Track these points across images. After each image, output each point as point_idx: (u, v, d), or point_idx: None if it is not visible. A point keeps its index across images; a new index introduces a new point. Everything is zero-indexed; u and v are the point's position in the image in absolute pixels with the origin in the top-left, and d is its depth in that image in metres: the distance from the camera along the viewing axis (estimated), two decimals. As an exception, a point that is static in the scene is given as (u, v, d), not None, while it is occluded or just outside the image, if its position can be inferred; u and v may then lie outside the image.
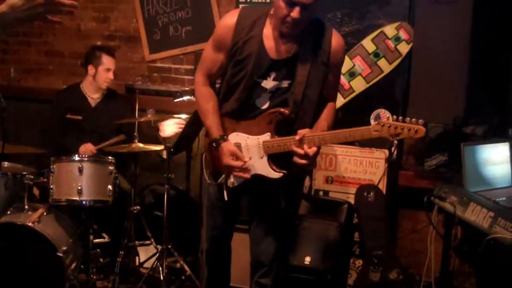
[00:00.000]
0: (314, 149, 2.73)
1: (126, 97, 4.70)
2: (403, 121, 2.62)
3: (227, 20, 2.92)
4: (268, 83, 2.87)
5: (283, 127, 2.86)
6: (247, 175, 2.88)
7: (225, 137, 2.92)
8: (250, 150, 2.90)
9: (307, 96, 2.85)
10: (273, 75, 2.87)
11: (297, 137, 2.75)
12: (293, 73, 2.84)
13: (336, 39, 2.88)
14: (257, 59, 2.84)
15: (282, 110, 2.85)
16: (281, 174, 2.86)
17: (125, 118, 4.45)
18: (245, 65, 2.86)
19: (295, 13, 2.69)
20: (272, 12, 2.83)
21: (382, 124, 2.63)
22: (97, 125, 4.55)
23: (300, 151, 2.73)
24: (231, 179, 2.95)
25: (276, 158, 2.87)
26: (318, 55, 2.84)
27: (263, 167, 2.88)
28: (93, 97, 4.63)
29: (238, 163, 2.86)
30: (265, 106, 2.90)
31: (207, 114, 2.97)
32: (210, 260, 3.19)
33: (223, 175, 2.96)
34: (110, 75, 4.56)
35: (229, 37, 2.87)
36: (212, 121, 2.95)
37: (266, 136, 2.87)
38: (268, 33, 2.86)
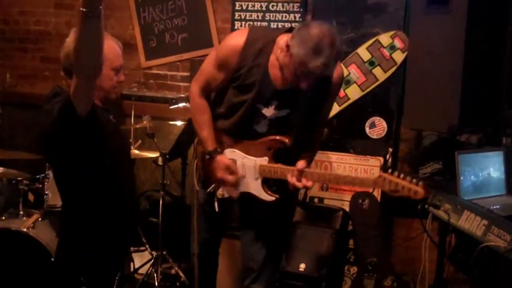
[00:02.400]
0: (311, 183, 2.79)
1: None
2: (404, 178, 2.59)
3: (235, 42, 2.87)
4: (269, 111, 2.90)
5: (281, 154, 2.90)
6: (236, 193, 2.95)
7: (218, 150, 2.95)
8: (245, 169, 2.94)
9: (304, 125, 2.91)
10: (274, 104, 2.88)
11: (297, 168, 2.78)
12: (295, 103, 2.86)
13: (338, 71, 2.89)
14: (261, 87, 2.84)
15: (283, 139, 2.88)
16: (273, 199, 2.91)
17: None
18: (248, 92, 2.87)
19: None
20: (280, 53, 2.75)
21: (384, 178, 2.62)
22: None
23: (298, 184, 2.78)
24: (221, 191, 2.99)
25: (270, 182, 2.93)
26: (320, 86, 2.83)
27: (256, 188, 2.94)
28: None
29: (232, 178, 2.91)
30: (263, 131, 2.94)
31: (203, 127, 3.00)
32: (200, 263, 3.23)
33: (213, 185, 2.99)
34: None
35: (234, 59, 2.84)
36: (207, 133, 2.98)
37: (264, 160, 2.91)
38: (274, 61, 2.82)
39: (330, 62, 2.65)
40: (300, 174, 2.78)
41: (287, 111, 2.88)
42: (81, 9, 2.03)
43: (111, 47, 2.49)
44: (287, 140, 2.87)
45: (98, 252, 2.52)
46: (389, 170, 2.65)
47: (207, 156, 2.96)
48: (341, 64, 3.01)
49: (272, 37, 2.86)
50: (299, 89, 2.76)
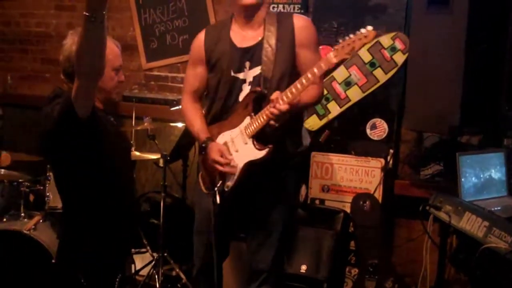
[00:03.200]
0: (286, 106, 2.79)
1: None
2: (355, 35, 2.76)
3: (197, 38, 3.19)
4: (246, 74, 3.00)
5: (260, 106, 2.94)
6: (234, 170, 2.95)
7: (211, 138, 3.04)
8: (235, 142, 2.99)
9: (276, 73, 2.97)
10: (247, 65, 3.00)
11: (272, 97, 2.82)
12: (264, 57, 2.97)
13: (298, 19, 3.06)
14: (229, 54, 3.01)
15: (253, 89, 2.96)
16: (267, 149, 2.91)
17: None
18: (221, 64, 3.03)
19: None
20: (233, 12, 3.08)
21: (336, 48, 2.76)
22: None
23: (275, 111, 2.79)
24: (228, 182, 2.99)
25: (259, 139, 2.94)
26: (282, 36, 2.99)
27: (249, 152, 2.95)
28: None
29: (225, 159, 2.94)
30: (246, 93, 3.02)
31: (194, 123, 3.13)
32: (203, 278, 3.20)
33: (220, 182, 2.99)
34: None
35: (201, 49, 3.11)
36: (198, 127, 3.10)
37: (246, 121, 2.96)
38: (234, 30, 3.06)
39: None
40: (275, 102, 2.82)
41: (260, 67, 2.98)
42: (84, 13, 2.03)
43: (111, 48, 2.50)
44: (257, 88, 2.96)
45: (98, 253, 2.53)
46: (340, 41, 2.79)
47: (203, 146, 3.04)
48: (305, 17, 3.17)
49: (229, 18, 3.15)
50: (261, 41, 2.97)
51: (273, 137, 2.93)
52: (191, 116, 3.16)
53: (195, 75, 3.16)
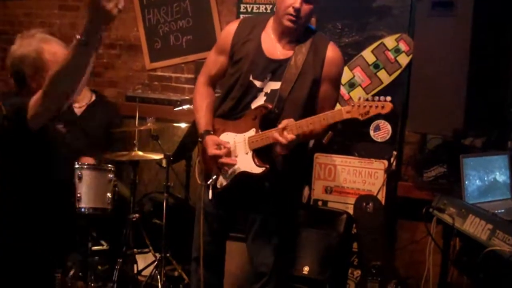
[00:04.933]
0: (292, 136, 2.77)
1: (114, 103, 4.70)
2: (368, 99, 2.71)
3: (229, 26, 3.12)
4: (265, 85, 2.95)
5: (267, 123, 2.91)
6: (234, 161, 2.94)
7: (211, 132, 3.01)
8: (237, 147, 2.97)
9: (293, 96, 2.92)
10: (269, 76, 2.95)
11: (280, 126, 2.80)
12: (286, 75, 2.93)
13: (332, 51, 2.98)
14: (254, 58, 2.96)
15: (266, 104, 2.93)
16: (263, 169, 2.90)
17: (115, 125, 4.47)
18: (242, 65, 2.98)
19: (298, 3, 2.84)
20: (273, 18, 3.01)
21: (352, 104, 2.72)
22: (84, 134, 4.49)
23: (281, 139, 2.78)
24: (221, 180, 2.99)
25: (260, 154, 2.92)
26: (311, 61, 2.93)
27: (247, 163, 2.93)
28: (77, 105, 4.57)
29: (222, 151, 2.93)
30: (258, 104, 2.97)
31: (200, 110, 3.11)
32: (203, 267, 3.18)
33: (214, 176, 3.01)
34: None
35: (229, 40, 3.04)
36: (202, 116, 3.08)
37: (252, 132, 2.94)
38: (266, 35, 3.00)
39: None
40: (283, 130, 2.80)
41: (279, 83, 2.93)
42: (77, 36, 1.98)
43: (62, 52, 2.44)
44: (269, 105, 2.92)
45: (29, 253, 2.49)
46: (359, 97, 2.74)
47: (199, 139, 3.04)
48: (339, 49, 3.05)
49: (266, 18, 3.08)
50: (290, 59, 2.92)
51: (274, 157, 2.92)
52: (199, 101, 3.13)
53: (216, 61, 3.12)
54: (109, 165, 4.06)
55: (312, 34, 3.00)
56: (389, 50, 4.06)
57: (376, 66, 4.10)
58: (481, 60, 3.41)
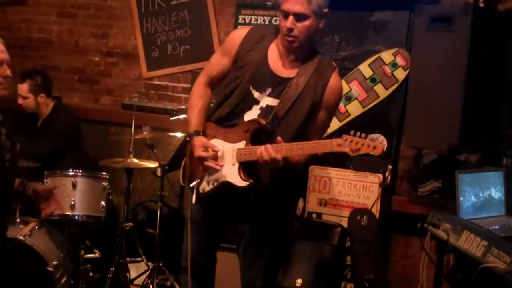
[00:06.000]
0: (279, 157, 2.74)
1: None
2: (361, 136, 2.65)
3: (238, 31, 3.12)
4: (262, 98, 2.92)
5: (259, 138, 2.88)
6: (220, 165, 2.91)
7: (201, 133, 2.99)
8: (224, 156, 2.94)
9: (289, 116, 2.89)
10: (268, 90, 2.92)
11: (269, 144, 2.77)
12: (286, 94, 2.89)
13: (335, 79, 2.94)
14: (257, 68, 2.92)
15: (259, 119, 2.90)
16: (247, 183, 2.87)
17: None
18: (244, 72, 2.95)
19: (289, 22, 2.80)
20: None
21: (345, 138, 2.66)
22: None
23: (265, 155, 2.74)
24: (204, 185, 2.98)
25: (246, 168, 2.89)
26: (313, 85, 2.89)
27: (232, 174, 2.90)
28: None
29: (209, 154, 2.90)
30: (252, 118, 2.94)
31: (193, 110, 3.07)
32: (191, 278, 3.14)
33: (197, 181, 2.99)
34: (18, 100, 4.54)
35: (235, 45, 2.99)
36: (194, 116, 3.04)
37: (241, 144, 2.91)
38: (274, 49, 2.96)
39: None
40: (271, 148, 2.77)
41: (277, 101, 2.89)
42: None
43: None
44: (263, 121, 2.88)
45: None
46: (352, 132, 2.67)
47: (187, 138, 3.02)
48: (341, 79, 3.04)
49: (275, 29, 3.01)
50: (293, 78, 2.87)
51: (261, 173, 2.89)
52: (194, 100, 3.09)
53: (219, 63, 3.07)
54: (104, 173, 4.05)
55: (318, 56, 2.96)
56: (386, 65, 4.07)
57: (373, 80, 4.11)
58: (478, 75, 3.42)
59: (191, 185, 3.02)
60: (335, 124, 4.10)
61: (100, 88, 5.32)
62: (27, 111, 4.57)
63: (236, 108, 2.97)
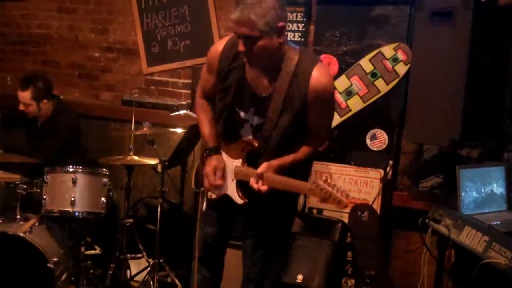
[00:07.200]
0: (265, 188, 2.78)
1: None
2: (333, 188, 2.60)
3: (215, 47, 2.99)
4: (249, 117, 2.92)
5: (253, 158, 2.91)
6: (215, 193, 2.99)
7: (220, 151, 3.01)
8: (227, 170, 2.99)
9: (276, 135, 2.87)
10: (252, 110, 2.91)
11: (258, 170, 2.80)
12: (270, 112, 2.85)
13: (317, 75, 2.79)
14: (238, 88, 2.89)
15: (251, 141, 2.93)
16: (242, 202, 2.94)
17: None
18: (226, 95, 2.93)
19: (240, 46, 2.73)
20: None
21: (317, 185, 2.62)
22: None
23: (254, 187, 2.80)
24: (210, 192, 3.05)
25: (243, 186, 2.94)
26: (293, 94, 2.81)
27: (232, 190, 2.98)
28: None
29: (213, 180, 2.95)
30: (248, 138, 2.97)
31: (203, 124, 3.10)
32: (202, 266, 3.20)
33: (205, 186, 3.04)
34: (20, 107, 4.48)
35: (215, 63, 2.94)
36: (208, 131, 3.07)
37: (238, 162, 2.96)
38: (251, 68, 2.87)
39: (247, 9, 2.66)
40: (259, 177, 2.79)
41: (263, 120, 2.88)
42: None
43: None
44: (255, 143, 2.90)
45: None
46: (324, 178, 2.64)
47: (206, 152, 3.02)
48: (327, 70, 2.93)
49: None
50: (270, 95, 2.82)
51: (252, 193, 2.90)
52: (200, 116, 3.12)
53: (207, 80, 3.06)
54: (104, 169, 4.04)
55: (296, 56, 2.82)
56: (387, 59, 4.06)
57: (373, 75, 4.10)
58: (479, 70, 3.41)
59: (201, 189, 3.10)
60: (336, 120, 4.09)
61: (100, 84, 5.31)
62: (30, 115, 4.53)
63: (229, 128, 2.99)
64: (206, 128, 3.07)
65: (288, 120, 2.84)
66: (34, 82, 4.44)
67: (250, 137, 2.95)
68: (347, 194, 2.60)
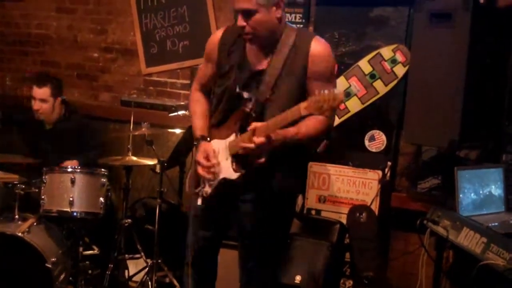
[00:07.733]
0: (262, 139, 2.69)
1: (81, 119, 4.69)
2: (323, 93, 2.51)
3: (213, 36, 3.10)
4: (253, 95, 2.90)
5: (247, 126, 2.84)
6: (212, 176, 2.92)
7: (208, 138, 2.99)
8: (220, 154, 2.95)
9: (271, 100, 2.85)
10: (254, 86, 2.91)
11: (249, 128, 2.75)
12: (273, 86, 2.87)
13: (316, 45, 2.85)
14: (239, 70, 2.93)
15: (243, 108, 2.89)
16: (239, 174, 2.87)
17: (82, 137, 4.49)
18: (229, 77, 2.95)
19: (239, 21, 2.80)
20: None
21: (310, 101, 2.53)
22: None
23: (250, 145, 2.72)
24: (206, 188, 2.99)
25: (239, 160, 2.89)
26: (292, 61, 2.85)
27: (227, 169, 2.91)
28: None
29: (207, 162, 2.92)
30: (238, 110, 2.95)
31: (194, 115, 3.13)
32: (194, 272, 3.19)
33: (201, 186, 3.00)
34: (35, 105, 4.46)
35: (215, 51, 3.01)
36: (196, 122, 3.09)
37: (232, 137, 2.91)
38: (251, 46, 2.93)
39: None
40: (253, 132, 2.73)
41: (268, 94, 2.86)
42: None
43: None
44: (247, 109, 2.87)
45: None
46: (316, 91, 2.56)
47: (195, 143, 3.03)
48: (325, 42, 2.92)
49: None
50: (271, 64, 2.85)
51: (253, 162, 2.84)
52: (193, 107, 3.15)
53: (206, 70, 3.12)
54: (102, 170, 4.04)
55: (295, 33, 2.88)
56: (385, 61, 4.06)
57: (372, 76, 4.10)
58: (478, 72, 3.41)
59: (196, 190, 3.04)
60: (334, 121, 4.09)
61: (98, 85, 5.31)
62: (40, 116, 4.49)
63: (230, 113, 2.96)
64: (198, 120, 3.08)
65: (287, 87, 2.85)
66: (50, 79, 4.50)
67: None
68: (339, 90, 2.50)
